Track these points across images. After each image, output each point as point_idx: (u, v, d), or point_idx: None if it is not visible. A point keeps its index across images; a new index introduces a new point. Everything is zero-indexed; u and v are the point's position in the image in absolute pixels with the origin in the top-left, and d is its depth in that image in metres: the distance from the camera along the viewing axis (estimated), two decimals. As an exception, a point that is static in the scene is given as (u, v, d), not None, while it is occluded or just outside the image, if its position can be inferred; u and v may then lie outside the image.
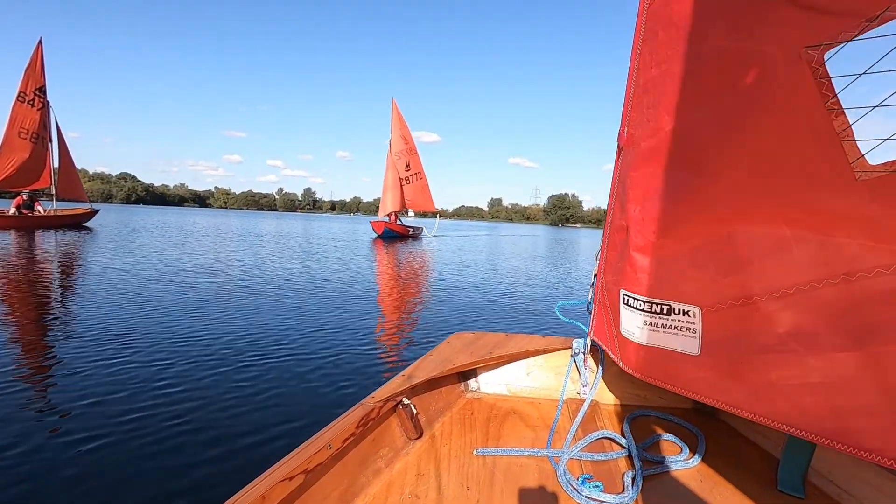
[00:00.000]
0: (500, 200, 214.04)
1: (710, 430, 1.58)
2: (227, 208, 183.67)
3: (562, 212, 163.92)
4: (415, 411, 1.45)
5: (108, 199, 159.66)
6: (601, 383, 1.78)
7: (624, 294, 1.38)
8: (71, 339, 4.62)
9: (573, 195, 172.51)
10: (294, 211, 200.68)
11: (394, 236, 26.94)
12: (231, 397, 3.36)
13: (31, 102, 21.05)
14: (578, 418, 1.55)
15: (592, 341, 1.73)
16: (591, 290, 1.67)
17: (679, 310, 1.23)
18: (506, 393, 1.85)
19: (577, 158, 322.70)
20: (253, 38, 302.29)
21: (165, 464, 2.50)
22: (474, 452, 1.38)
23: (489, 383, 1.86)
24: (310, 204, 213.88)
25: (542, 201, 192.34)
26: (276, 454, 1.10)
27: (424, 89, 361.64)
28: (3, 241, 14.06)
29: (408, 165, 27.98)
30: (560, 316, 2.12)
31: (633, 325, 1.37)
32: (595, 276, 1.63)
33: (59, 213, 22.39)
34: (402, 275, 11.37)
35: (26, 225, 20.29)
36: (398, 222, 28.32)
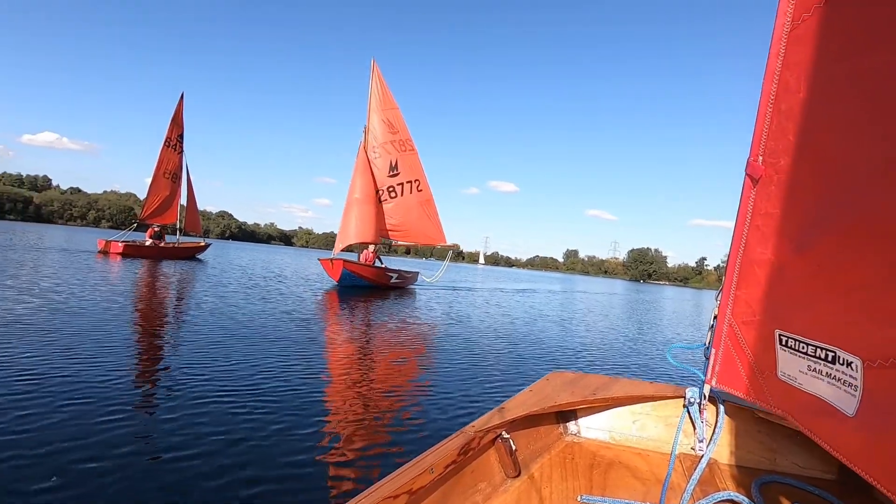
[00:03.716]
0: (575, 252, 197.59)
1: None
2: (308, 247, 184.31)
3: (643, 267, 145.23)
4: (513, 447, 1.38)
5: (205, 233, 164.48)
6: (721, 439, 1.54)
7: (782, 335, 1.23)
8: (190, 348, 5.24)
9: (656, 250, 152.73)
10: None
11: (363, 286, 14.74)
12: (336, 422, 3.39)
13: (174, 147, 22.81)
14: (696, 475, 1.36)
15: (712, 390, 1.53)
16: (710, 332, 1.48)
17: (842, 359, 1.05)
18: (608, 440, 1.69)
19: (658, 213, 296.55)
20: (346, 94, 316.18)
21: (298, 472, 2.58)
22: (578, 499, 1.31)
23: (591, 427, 1.72)
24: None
25: (621, 255, 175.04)
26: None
27: (502, 134, 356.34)
28: (137, 267, 15.48)
29: (394, 168, 15.84)
30: (671, 361, 1.84)
31: (791, 367, 1.21)
32: (715, 317, 1.45)
33: (181, 246, 24.04)
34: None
35: (156, 255, 21.81)
36: (376, 263, 16.11)
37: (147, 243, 21.89)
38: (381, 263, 16.77)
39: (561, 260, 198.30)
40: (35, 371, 3.93)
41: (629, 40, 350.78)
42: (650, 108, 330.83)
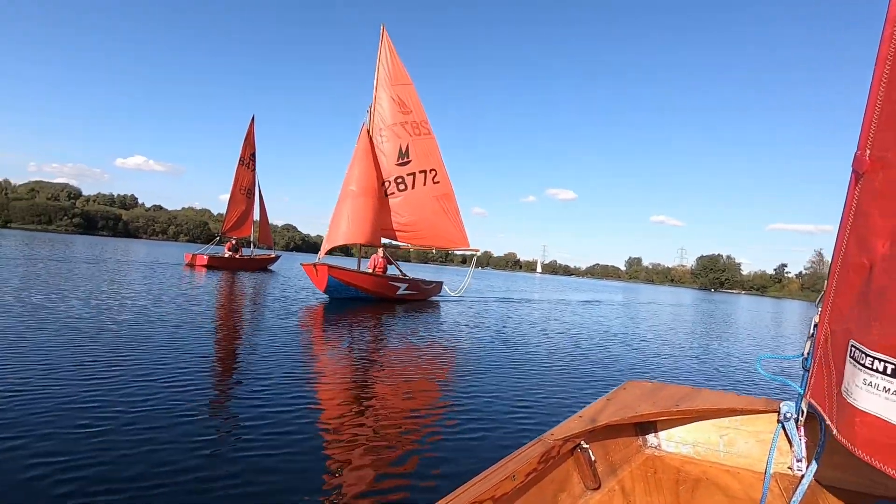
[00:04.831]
0: (639, 260, 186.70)
1: None
2: (366, 257, 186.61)
3: (714, 275, 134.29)
4: (592, 457, 1.35)
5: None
6: (823, 459, 1.37)
7: (853, 346, 1.10)
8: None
9: (728, 256, 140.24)
10: (427, 263, 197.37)
11: (357, 297, 11.86)
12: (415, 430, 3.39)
13: (247, 165, 24.27)
14: (796, 498, 1.25)
15: (809, 405, 1.35)
16: (810, 342, 1.35)
17: None
18: (693, 455, 1.60)
19: (731, 218, 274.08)
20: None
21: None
22: None
23: (673, 441, 1.63)
24: (442, 256, 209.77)
25: (689, 262, 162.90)
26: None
27: (560, 141, 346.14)
28: (219, 278, 16.66)
29: (404, 154, 12.85)
30: (761, 372, 1.70)
31: (861, 387, 1.06)
32: (815, 325, 1.33)
33: (256, 258, 25.07)
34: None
35: (234, 266, 22.81)
36: (391, 271, 13.19)
37: (226, 255, 23.20)
38: (400, 272, 13.77)
39: (623, 268, 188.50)
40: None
41: (693, 32, 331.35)
42: (721, 105, 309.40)
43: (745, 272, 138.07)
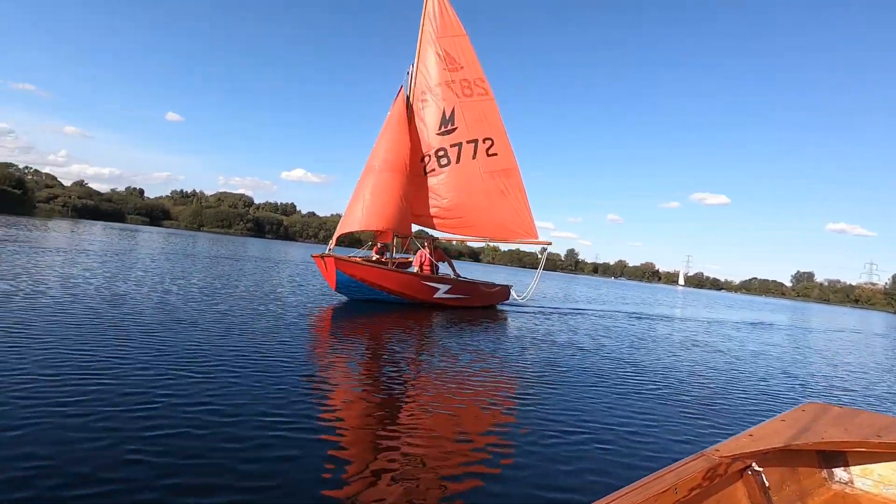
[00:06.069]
0: (810, 275, 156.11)
1: None
2: (494, 263, 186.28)
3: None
4: (766, 483, 1.18)
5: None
6: None
7: None
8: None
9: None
10: (554, 270, 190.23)
11: (379, 299, 9.56)
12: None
13: None
14: None
15: None
16: None
17: None
18: None
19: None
20: (533, 116, 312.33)
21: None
22: None
23: (872, 478, 1.32)
24: (572, 265, 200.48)
25: (882, 280, 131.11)
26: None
27: (709, 140, 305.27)
28: None
29: (447, 120, 10.20)
30: None
31: None
32: None
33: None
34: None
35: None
36: (442, 270, 10.74)
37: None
38: (454, 272, 11.10)
39: (788, 284, 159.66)
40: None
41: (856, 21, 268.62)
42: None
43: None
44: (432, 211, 10.23)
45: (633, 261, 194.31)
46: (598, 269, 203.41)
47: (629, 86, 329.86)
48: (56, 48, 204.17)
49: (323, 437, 2.95)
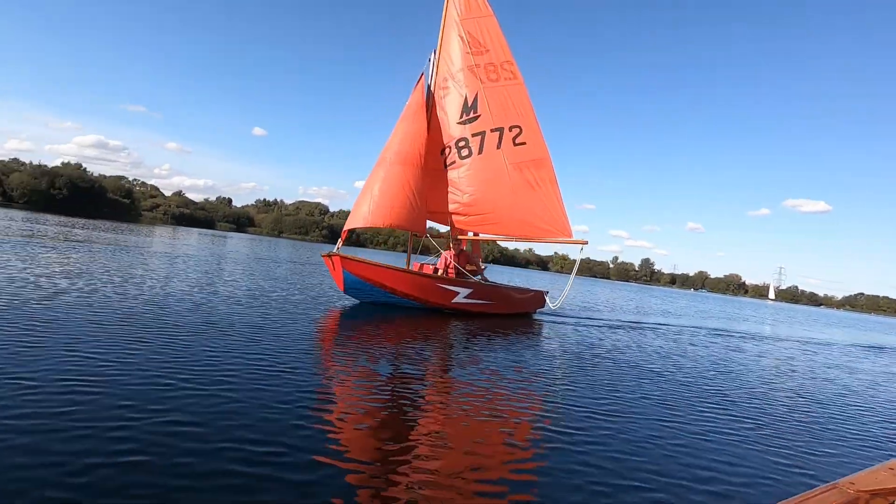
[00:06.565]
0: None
1: None
2: (562, 272, 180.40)
3: None
4: None
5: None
6: None
7: None
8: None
9: None
10: (627, 281, 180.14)
11: (391, 302, 8.80)
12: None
13: None
14: None
15: None
16: None
17: None
18: None
19: None
20: (607, 125, 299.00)
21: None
22: None
23: None
24: (647, 275, 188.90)
25: None
26: None
27: (807, 146, 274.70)
28: None
29: (469, 107, 9.31)
30: None
31: None
32: None
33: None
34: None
35: None
36: (459, 272, 9.80)
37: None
38: (482, 277, 10.11)
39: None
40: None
41: None
42: None
43: None
44: (451, 207, 9.35)
45: (715, 272, 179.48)
46: (675, 280, 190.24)
47: (714, 86, 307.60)
48: (164, 72, 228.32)
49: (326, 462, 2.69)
